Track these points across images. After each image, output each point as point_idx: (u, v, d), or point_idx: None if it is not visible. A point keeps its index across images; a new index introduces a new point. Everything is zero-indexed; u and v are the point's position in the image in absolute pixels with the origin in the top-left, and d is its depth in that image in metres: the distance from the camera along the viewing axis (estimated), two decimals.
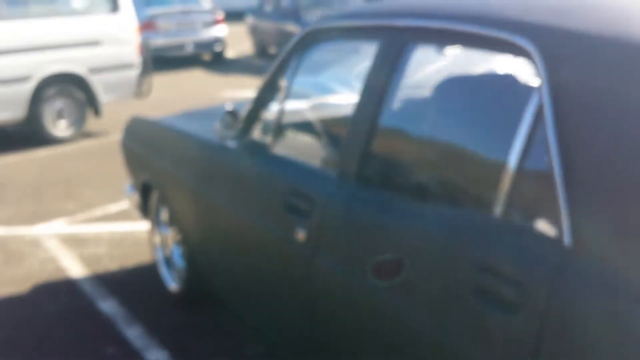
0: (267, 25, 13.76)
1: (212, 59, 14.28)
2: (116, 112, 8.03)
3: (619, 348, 1.25)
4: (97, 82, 7.77)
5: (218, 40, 13.77)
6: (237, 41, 15.62)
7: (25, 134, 7.93)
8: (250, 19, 14.94)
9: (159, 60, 13.43)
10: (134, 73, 8.00)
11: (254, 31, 14.61)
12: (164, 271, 3.79)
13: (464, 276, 1.58)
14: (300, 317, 2.28)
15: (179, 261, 3.58)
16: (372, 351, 1.91)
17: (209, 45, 13.72)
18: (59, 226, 5.11)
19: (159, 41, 13.23)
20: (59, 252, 4.58)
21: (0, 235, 4.98)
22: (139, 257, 4.39)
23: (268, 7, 14.02)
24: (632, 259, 1.29)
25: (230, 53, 14.79)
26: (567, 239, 1.39)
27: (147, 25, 12.99)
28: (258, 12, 14.54)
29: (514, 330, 1.44)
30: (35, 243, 4.78)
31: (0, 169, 6.93)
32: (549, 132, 1.48)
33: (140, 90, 8.14)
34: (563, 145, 1.45)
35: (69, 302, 3.82)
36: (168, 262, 3.76)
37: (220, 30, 13.80)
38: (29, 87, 7.38)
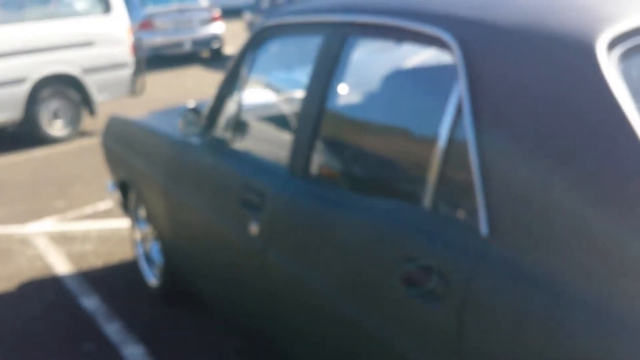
0: None
1: (210, 56, 14.35)
2: (113, 111, 8.10)
3: (533, 334, 1.29)
4: (91, 82, 7.87)
5: (216, 38, 13.84)
6: (235, 38, 15.68)
7: (22, 135, 8.03)
8: (247, 16, 15.00)
9: (157, 59, 13.53)
10: (128, 72, 8.09)
11: (252, 28, 14.66)
12: (144, 267, 3.87)
13: (393, 267, 1.62)
14: (258, 308, 2.34)
15: (158, 257, 3.66)
16: (318, 340, 1.97)
17: (206, 42, 13.79)
18: (49, 224, 5.20)
19: (156, 40, 13.31)
20: (47, 250, 4.67)
21: None
22: (124, 254, 4.47)
23: (265, 4, 14.07)
24: (544, 248, 1.33)
25: (229, 50, 14.84)
26: (483, 230, 1.44)
27: (144, 25, 13.08)
28: (255, 8, 14.59)
29: (438, 319, 1.49)
30: (24, 241, 4.88)
31: None
32: (467, 125, 1.52)
33: (133, 89, 8.24)
34: (480, 138, 1.48)
35: (53, 299, 3.90)
36: (148, 258, 3.83)
37: (218, 28, 13.87)
38: (25, 89, 7.48)
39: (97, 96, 7.95)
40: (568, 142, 1.33)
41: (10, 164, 7.21)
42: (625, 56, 1.39)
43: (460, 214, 1.54)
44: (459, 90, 1.58)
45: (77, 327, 3.55)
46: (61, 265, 4.38)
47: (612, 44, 1.40)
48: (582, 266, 1.24)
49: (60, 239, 4.86)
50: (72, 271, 4.27)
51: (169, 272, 3.48)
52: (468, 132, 1.52)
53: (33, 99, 7.58)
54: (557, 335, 1.23)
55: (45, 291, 4.02)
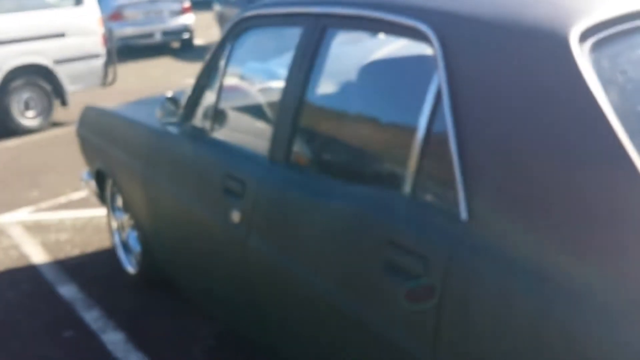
0: (234, 12, 13.77)
1: (181, 46, 14.31)
2: (84, 102, 8.04)
3: (509, 316, 1.34)
4: (62, 73, 7.84)
5: (186, 29, 13.82)
6: (205, 29, 15.64)
7: None
8: (217, 7, 14.95)
9: (128, 50, 13.44)
10: (99, 63, 8.08)
11: (221, 19, 14.62)
12: (121, 255, 3.90)
13: (374, 251, 1.68)
14: (238, 296, 2.41)
15: (135, 245, 3.70)
16: (298, 326, 2.04)
17: (177, 33, 13.76)
18: (24, 214, 5.19)
19: (127, 30, 13.24)
20: (22, 240, 4.68)
21: None
22: (100, 242, 4.50)
23: None
24: (520, 232, 1.39)
25: (199, 40, 14.80)
26: (463, 215, 1.50)
27: (115, 16, 13.01)
28: (225, 0, 14.55)
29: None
30: None
31: None
32: (446, 114, 1.58)
33: (105, 79, 8.23)
34: (459, 127, 1.54)
35: (30, 288, 3.92)
36: (125, 246, 3.87)
37: (188, 19, 13.84)
38: None
39: (69, 87, 7.92)
40: (544, 130, 1.39)
41: None
42: (597, 47, 1.46)
43: (440, 200, 1.60)
44: (438, 81, 1.63)
45: (56, 315, 3.58)
46: (37, 255, 4.39)
47: (585, 36, 1.46)
48: (559, 250, 1.30)
49: (35, 229, 4.86)
50: (48, 260, 4.29)
51: (147, 260, 3.52)
52: (447, 121, 1.57)
53: (4, 89, 7.52)
54: (534, 315, 1.29)
55: (22, 280, 4.03)
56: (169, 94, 2.87)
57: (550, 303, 1.27)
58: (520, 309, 1.33)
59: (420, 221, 1.60)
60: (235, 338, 3.16)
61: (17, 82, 7.61)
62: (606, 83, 1.40)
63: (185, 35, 13.90)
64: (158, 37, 13.63)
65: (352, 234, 1.76)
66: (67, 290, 3.85)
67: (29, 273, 4.13)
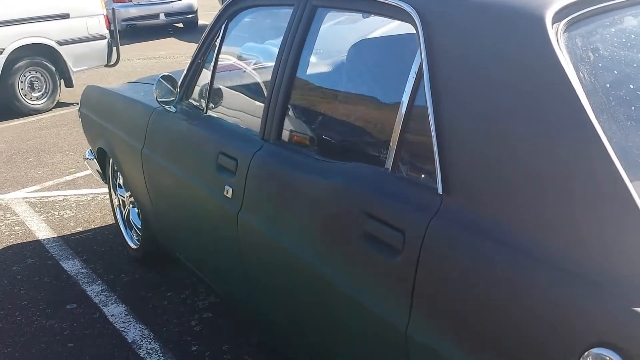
0: None
1: (185, 27, 14.36)
2: (89, 83, 8.16)
3: (481, 285, 1.41)
4: (67, 53, 7.92)
5: (190, 9, 13.87)
6: (209, 9, 15.65)
7: (0, 106, 8.05)
8: None
9: (133, 31, 13.51)
10: (102, 43, 8.15)
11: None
12: (123, 231, 4.01)
13: (355, 223, 1.75)
14: (231, 267, 2.51)
15: (136, 221, 3.80)
16: (286, 294, 2.14)
17: (181, 14, 13.82)
18: (29, 192, 5.31)
19: (132, 12, 13.31)
20: (27, 216, 4.79)
21: None
22: (103, 219, 4.61)
23: None
24: (493, 205, 1.46)
25: (203, 21, 14.82)
26: (439, 188, 1.57)
27: None
28: None
29: (395, 271, 1.61)
30: (4, 208, 4.98)
31: None
32: (426, 91, 1.64)
33: (109, 60, 8.31)
34: (437, 104, 1.60)
35: (35, 263, 4.04)
36: (127, 222, 3.97)
37: None
38: (0, 59, 7.51)
39: (73, 67, 8.01)
40: (518, 107, 1.45)
41: None
42: (571, 26, 1.51)
43: (418, 174, 1.67)
44: (420, 59, 1.69)
45: (60, 289, 3.69)
46: (42, 231, 4.50)
47: (559, 16, 1.51)
48: (530, 223, 1.37)
49: (40, 206, 4.97)
50: (52, 236, 4.40)
51: (147, 235, 3.62)
52: (427, 97, 1.63)
53: (9, 70, 7.62)
54: (506, 284, 1.36)
55: (27, 255, 4.15)
56: (166, 73, 2.95)
57: (521, 272, 1.33)
58: (492, 278, 1.39)
59: (399, 195, 1.67)
60: (229, 307, 3.27)
61: (22, 63, 7.69)
62: (578, 61, 1.46)
63: (190, 16, 13.96)
64: (162, 18, 13.68)
65: (335, 207, 1.84)
66: (71, 265, 3.96)
67: (34, 248, 4.24)
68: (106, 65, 8.40)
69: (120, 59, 8.67)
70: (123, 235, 4.01)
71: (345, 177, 1.84)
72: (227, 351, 2.97)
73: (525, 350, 1.29)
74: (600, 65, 1.49)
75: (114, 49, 8.32)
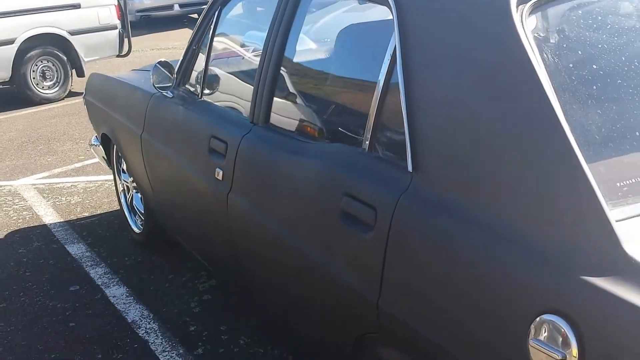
0: None
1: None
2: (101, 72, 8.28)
3: (446, 259, 1.46)
4: (78, 43, 8.03)
5: (204, 0, 13.92)
6: None
7: (11, 96, 8.18)
8: None
9: (147, 21, 13.61)
10: (114, 33, 8.24)
11: None
12: (127, 216, 4.09)
13: (333, 202, 1.80)
14: (223, 247, 2.57)
15: (139, 206, 3.88)
16: (271, 270, 2.21)
17: (195, 5, 13.87)
18: (38, 179, 5.41)
19: (146, 2, 13.40)
20: (35, 202, 4.89)
21: None
22: (110, 205, 4.70)
23: None
24: (457, 182, 1.51)
25: None
26: (409, 166, 1.62)
27: None
28: None
29: (367, 245, 1.67)
30: (13, 194, 5.09)
31: None
32: (398, 73, 1.69)
33: (120, 50, 8.40)
34: (408, 85, 1.65)
35: (41, 246, 4.13)
36: (131, 207, 4.05)
37: None
38: (12, 49, 7.63)
39: (84, 57, 8.11)
40: (484, 89, 1.49)
41: None
42: (536, 8, 1.55)
43: (391, 153, 1.72)
44: (394, 43, 1.73)
45: (64, 271, 3.78)
46: (49, 216, 4.60)
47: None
48: (491, 198, 1.42)
49: (48, 192, 5.07)
50: (59, 221, 4.50)
51: (149, 219, 3.70)
52: (399, 80, 1.68)
53: (21, 59, 7.73)
54: (471, 258, 1.41)
55: (34, 239, 4.24)
56: (162, 60, 3.01)
57: (479, 246, 1.39)
58: (453, 252, 1.44)
59: (373, 173, 1.72)
60: (226, 289, 3.34)
61: (34, 52, 7.81)
62: (543, 42, 1.51)
63: (204, 7, 14.03)
64: (177, 9, 13.76)
65: (315, 187, 1.89)
66: (76, 249, 4.05)
67: (41, 232, 4.34)
68: (117, 56, 8.49)
69: (134, 49, 8.77)
70: (127, 220, 4.09)
71: (325, 157, 1.89)
72: (224, 332, 3.04)
73: (485, 318, 1.34)
74: (564, 46, 1.53)
75: (125, 39, 8.41)
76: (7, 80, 7.81)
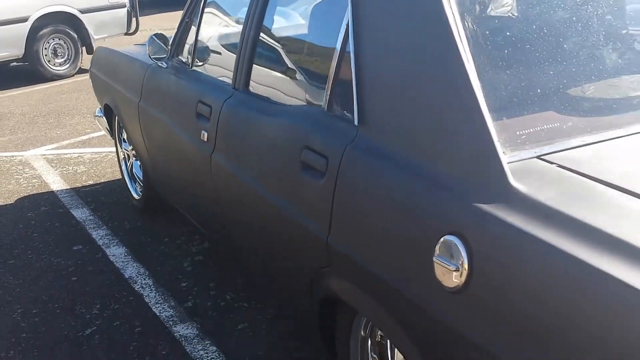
0: None
1: None
2: None
3: (385, 202, 1.65)
4: (88, 21, 8.27)
5: None
6: None
7: (24, 72, 8.45)
8: None
9: (155, 1, 13.82)
10: (122, 12, 8.48)
11: None
12: (128, 183, 4.33)
13: (295, 155, 2.02)
14: (208, 203, 2.81)
15: (139, 173, 4.12)
16: (247, 220, 2.44)
17: None
18: (47, 150, 5.67)
19: None
20: (44, 171, 5.15)
21: None
22: (113, 174, 4.94)
23: None
24: (393, 133, 1.70)
25: None
26: (355, 120, 1.83)
27: None
28: None
29: (320, 190, 1.89)
30: (23, 163, 5.35)
31: (1, 102, 7.48)
32: (350, 41, 1.88)
33: (128, 28, 8.63)
34: (357, 50, 1.85)
35: (48, 211, 4.39)
36: (131, 175, 4.29)
37: None
38: (25, 27, 7.88)
39: (94, 35, 8.36)
40: (414, 52, 1.69)
41: (12, 97, 7.66)
42: None
43: (343, 110, 1.94)
44: (347, 16, 1.93)
45: (68, 233, 4.04)
46: (56, 184, 4.86)
47: None
48: (420, 144, 1.61)
49: (56, 162, 5.33)
50: (65, 188, 4.75)
51: (147, 185, 3.94)
52: (350, 46, 1.88)
53: (34, 37, 7.99)
54: (391, 195, 1.62)
55: (41, 204, 4.50)
56: (157, 32, 3.23)
57: (403, 184, 1.60)
58: (388, 190, 1.64)
59: (327, 128, 1.94)
60: (216, 252, 3.58)
61: (46, 30, 8.06)
62: (465, 11, 1.64)
63: None
64: None
65: (282, 143, 2.11)
66: (80, 213, 4.31)
67: (48, 198, 4.60)
68: (126, 34, 8.73)
69: (141, 28, 8.99)
70: (128, 187, 4.33)
71: (290, 116, 2.11)
72: (212, 288, 3.27)
73: (407, 242, 1.56)
74: (483, 15, 1.73)
75: (134, 18, 8.64)
76: (20, 57, 8.07)
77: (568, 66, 1.69)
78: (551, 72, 1.66)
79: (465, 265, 1.36)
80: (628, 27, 1.87)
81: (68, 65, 8.36)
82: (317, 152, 1.91)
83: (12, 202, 4.59)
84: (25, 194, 4.70)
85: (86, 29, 8.29)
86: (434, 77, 1.60)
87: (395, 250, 1.60)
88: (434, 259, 1.43)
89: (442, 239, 1.42)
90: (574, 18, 1.77)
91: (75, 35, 8.28)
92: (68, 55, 8.34)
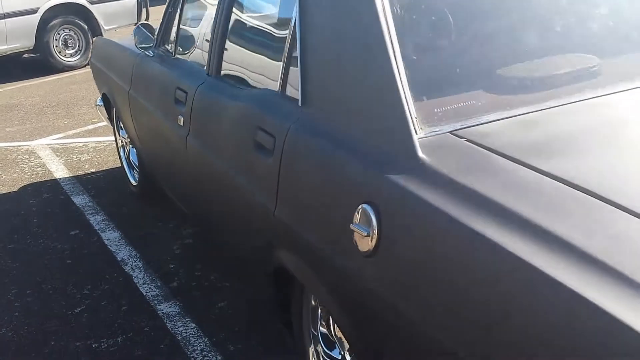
0: None
1: None
2: None
3: (316, 172, 1.79)
4: (98, 12, 8.42)
5: None
6: None
7: (35, 63, 8.63)
8: None
9: None
10: (132, 2, 8.62)
11: None
12: (126, 170, 4.45)
13: (250, 135, 2.14)
14: (185, 183, 2.93)
15: (135, 160, 4.24)
16: (213, 196, 2.57)
17: None
18: (54, 139, 5.82)
19: None
20: (49, 159, 5.30)
21: (1, 147, 5.73)
22: (115, 162, 5.07)
23: None
24: (329, 113, 1.81)
25: None
26: (300, 101, 1.94)
27: None
28: None
29: (269, 168, 2.00)
30: (30, 153, 5.51)
31: (11, 93, 7.67)
32: (296, 30, 1.98)
33: (139, 18, 8.76)
34: (302, 38, 1.96)
35: (49, 197, 4.54)
36: (129, 162, 4.42)
37: None
38: (36, 18, 8.04)
39: (105, 25, 8.50)
40: (347, 39, 1.78)
41: (23, 88, 7.84)
42: None
43: (291, 92, 2.04)
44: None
45: (67, 218, 4.18)
46: (59, 172, 5.00)
47: None
48: (349, 122, 1.73)
49: (61, 151, 5.48)
50: (68, 176, 4.89)
51: (142, 172, 4.06)
52: (297, 34, 1.99)
53: (44, 28, 8.15)
54: (324, 171, 1.74)
55: (44, 191, 4.65)
56: (144, 22, 3.34)
57: (336, 155, 1.70)
58: (323, 164, 1.76)
59: (277, 109, 2.05)
60: (204, 234, 3.69)
61: (56, 21, 8.22)
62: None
63: None
64: None
65: (241, 124, 2.23)
66: (80, 199, 4.44)
67: (51, 186, 4.75)
68: (135, 24, 8.85)
69: (151, 18, 9.11)
70: (126, 174, 4.46)
71: (249, 99, 2.22)
72: (198, 269, 3.39)
73: (335, 212, 1.67)
74: (412, 2, 1.81)
75: (144, 8, 8.77)
76: (31, 48, 8.24)
77: (490, 48, 1.79)
78: (474, 54, 1.76)
79: (375, 232, 1.47)
80: (547, 10, 1.94)
81: (79, 56, 8.51)
82: (267, 132, 2.02)
83: (15, 189, 4.74)
84: (29, 182, 4.85)
85: (96, 20, 8.43)
86: (361, 60, 1.71)
87: (324, 219, 1.72)
88: (351, 226, 1.54)
89: (359, 207, 1.53)
90: (497, 2, 1.86)
91: (86, 26, 8.43)
92: (79, 46, 8.49)
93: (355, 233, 1.53)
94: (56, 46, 8.34)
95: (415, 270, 1.39)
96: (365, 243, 1.50)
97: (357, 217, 1.54)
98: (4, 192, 4.73)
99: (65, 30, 8.36)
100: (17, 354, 2.85)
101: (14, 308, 3.19)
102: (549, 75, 1.75)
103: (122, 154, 4.49)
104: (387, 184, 1.48)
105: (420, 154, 1.47)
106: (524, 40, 1.83)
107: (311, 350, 2.17)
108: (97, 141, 5.66)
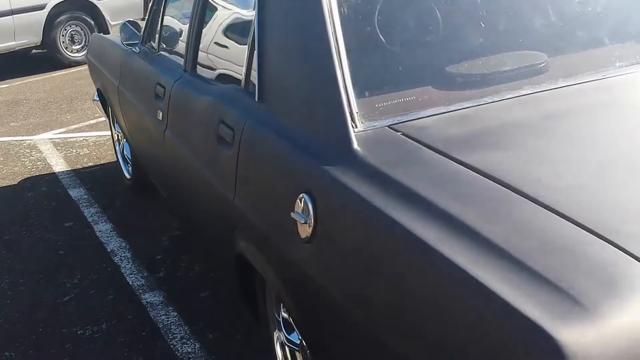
0: None
1: None
2: None
3: (266, 163, 1.88)
4: (105, 8, 8.53)
5: None
6: None
7: (42, 59, 8.77)
8: None
9: None
10: None
11: None
12: (121, 164, 4.56)
13: (214, 128, 2.23)
14: (167, 177, 3.02)
15: (129, 153, 4.34)
16: (187, 184, 2.66)
17: None
18: (56, 134, 5.94)
19: None
20: (49, 154, 5.42)
21: (4, 141, 5.86)
22: (113, 156, 5.15)
23: None
24: (281, 108, 1.89)
25: None
26: (257, 97, 2.02)
27: None
28: None
29: (229, 159, 2.09)
30: (31, 147, 5.64)
31: (18, 88, 7.82)
32: (255, 31, 2.06)
33: (145, 14, 8.86)
34: (260, 41, 2.04)
35: (47, 190, 4.66)
36: (124, 156, 4.52)
37: None
38: (43, 14, 8.18)
39: (111, 21, 8.62)
40: (299, 39, 1.85)
41: (29, 83, 7.98)
42: None
43: (252, 88, 2.11)
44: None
45: (62, 210, 4.29)
46: (59, 166, 5.12)
47: None
48: (298, 118, 1.81)
49: (62, 145, 5.60)
50: (66, 169, 5.01)
51: (135, 165, 4.16)
52: (256, 36, 2.08)
53: (51, 24, 8.28)
54: (275, 159, 1.83)
55: (42, 185, 4.77)
56: (131, 19, 3.43)
57: (285, 146, 1.78)
58: (274, 155, 1.84)
59: (237, 104, 2.14)
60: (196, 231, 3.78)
61: (63, 17, 8.35)
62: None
63: None
64: None
65: (207, 118, 2.31)
66: (76, 192, 4.56)
67: (49, 179, 4.87)
68: (142, 19, 8.95)
69: None
70: (121, 167, 4.56)
71: (215, 94, 2.31)
72: (184, 260, 3.48)
73: (278, 199, 1.78)
74: (359, 2, 1.88)
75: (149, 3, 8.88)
76: (38, 44, 8.38)
77: (436, 46, 1.86)
78: (420, 52, 1.83)
79: (312, 220, 1.56)
80: (497, 7, 2.00)
81: (85, 51, 8.63)
82: (228, 125, 2.11)
83: (15, 183, 4.87)
84: (29, 176, 4.98)
85: (103, 16, 8.55)
86: (308, 59, 1.79)
87: (272, 208, 1.82)
88: (292, 214, 1.63)
89: (300, 196, 1.62)
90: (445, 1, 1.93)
91: (92, 22, 8.55)
92: (85, 41, 8.61)
93: (295, 220, 1.62)
94: (63, 42, 8.47)
95: (347, 256, 1.48)
96: (304, 230, 1.59)
97: (300, 205, 1.62)
98: (3, 185, 4.85)
99: (72, 26, 8.49)
100: (6, 340, 2.96)
101: (6, 296, 3.31)
102: (491, 72, 1.82)
103: (117, 147, 4.59)
104: (323, 175, 1.57)
105: (355, 146, 1.56)
106: (470, 38, 1.90)
107: (276, 335, 2.25)
108: (97, 135, 5.78)
